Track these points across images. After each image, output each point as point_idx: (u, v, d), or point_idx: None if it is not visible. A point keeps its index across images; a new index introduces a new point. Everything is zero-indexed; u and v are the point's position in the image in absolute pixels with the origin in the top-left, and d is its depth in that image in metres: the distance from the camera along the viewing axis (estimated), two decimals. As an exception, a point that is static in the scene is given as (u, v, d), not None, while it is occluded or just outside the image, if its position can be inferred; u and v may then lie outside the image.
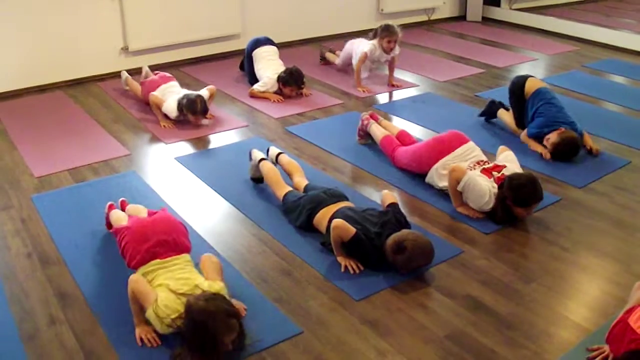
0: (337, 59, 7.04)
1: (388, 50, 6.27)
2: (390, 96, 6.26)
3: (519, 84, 5.12)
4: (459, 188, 3.98)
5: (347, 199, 3.84)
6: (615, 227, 3.87)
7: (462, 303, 3.18)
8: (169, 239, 3.14)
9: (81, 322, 3.06)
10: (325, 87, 6.52)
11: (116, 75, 6.55)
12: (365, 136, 5.01)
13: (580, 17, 9.39)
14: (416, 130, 5.26)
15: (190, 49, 7.27)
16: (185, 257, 3.15)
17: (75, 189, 4.37)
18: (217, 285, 2.92)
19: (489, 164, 4.13)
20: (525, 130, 4.97)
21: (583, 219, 3.97)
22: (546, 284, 3.32)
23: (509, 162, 4.13)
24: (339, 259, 3.48)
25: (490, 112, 5.48)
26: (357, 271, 3.41)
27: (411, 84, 6.56)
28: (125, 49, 6.80)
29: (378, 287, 3.29)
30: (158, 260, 3.05)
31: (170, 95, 5.52)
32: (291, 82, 6.07)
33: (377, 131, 4.85)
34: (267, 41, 6.45)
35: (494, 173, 4.01)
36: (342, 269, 3.41)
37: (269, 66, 6.24)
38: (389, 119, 5.35)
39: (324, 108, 5.90)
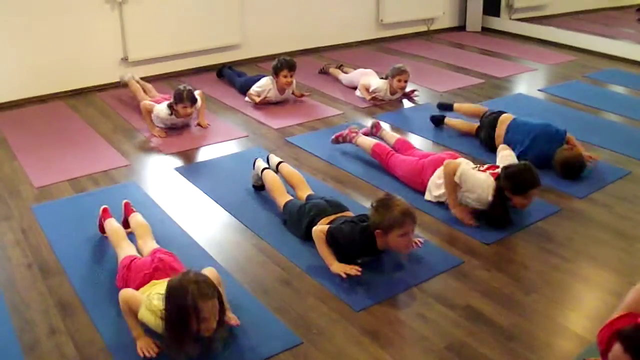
0: (342, 76, 6.98)
1: (398, 89, 6.28)
2: (393, 106, 6.26)
3: (491, 126, 5.04)
4: (456, 178, 3.98)
5: (347, 210, 3.84)
6: (616, 238, 3.87)
7: (463, 314, 3.17)
8: (165, 264, 3.14)
9: (81, 332, 3.05)
10: (325, 97, 6.53)
11: (116, 85, 6.56)
12: (342, 142, 5.06)
13: (580, 27, 9.40)
14: (416, 141, 5.26)
15: (190, 59, 7.29)
16: None
17: (75, 200, 4.37)
18: None
19: (483, 166, 4.17)
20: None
21: (584, 229, 3.97)
22: (547, 294, 3.32)
23: (506, 162, 4.13)
24: (333, 268, 3.43)
25: (439, 119, 5.63)
26: (359, 273, 3.36)
27: (411, 94, 6.56)
28: (125, 59, 6.81)
29: (378, 298, 3.28)
30: (154, 281, 3.03)
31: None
32: (283, 66, 6.05)
33: (365, 141, 4.87)
34: None
35: (489, 171, 4.04)
36: (344, 277, 3.36)
37: None
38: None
39: (324, 118, 5.90)
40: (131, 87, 6.21)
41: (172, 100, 5.43)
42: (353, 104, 6.31)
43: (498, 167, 4.07)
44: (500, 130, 4.92)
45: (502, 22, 9.57)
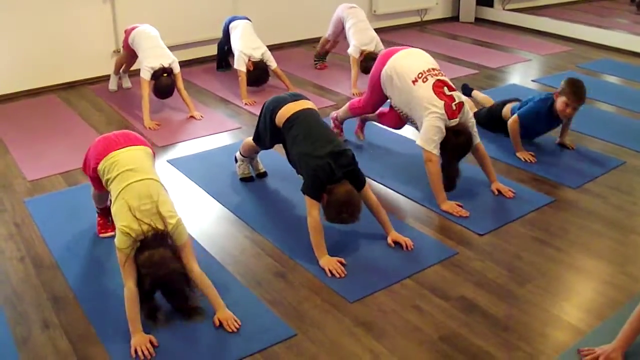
0: (327, 33, 7.00)
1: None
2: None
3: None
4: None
5: (306, 99, 3.95)
6: (610, 228, 3.87)
7: (457, 305, 3.17)
8: (125, 135, 3.32)
9: (75, 326, 3.05)
10: (317, 88, 6.51)
11: (109, 78, 6.53)
12: (340, 126, 5.11)
13: (573, 17, 9.41)
14: (408, 131, 5.25)
15: (182, 51, 7.24)
16: (145, 148, 3.32)
17: (68, 193, 4.35)
18: (174, 220, 3.00)
19: (441, 74, 4.29)
20: (515, 116, 4.88)
21: (577, 219, 3.97)
22: (541, 285, 3.32)
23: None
24: (321, 262, 3.45)
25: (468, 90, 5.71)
26: (343, 275, 3.39)
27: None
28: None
29: (372, 289, 3.28)
30: (115, 152, 3.17)
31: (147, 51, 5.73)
32: (251, 82, 6.14)
33: (343, 108, 5.02)
34: (244, 18, 6.54)
35: (445, 90, 4.12)
36: (328, 274, 3.39)
37: (242, 37, 6.26)
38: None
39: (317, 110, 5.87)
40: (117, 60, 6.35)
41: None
42: (345, 94, 6.29)
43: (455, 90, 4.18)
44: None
45: (496, 13, 9.56)
